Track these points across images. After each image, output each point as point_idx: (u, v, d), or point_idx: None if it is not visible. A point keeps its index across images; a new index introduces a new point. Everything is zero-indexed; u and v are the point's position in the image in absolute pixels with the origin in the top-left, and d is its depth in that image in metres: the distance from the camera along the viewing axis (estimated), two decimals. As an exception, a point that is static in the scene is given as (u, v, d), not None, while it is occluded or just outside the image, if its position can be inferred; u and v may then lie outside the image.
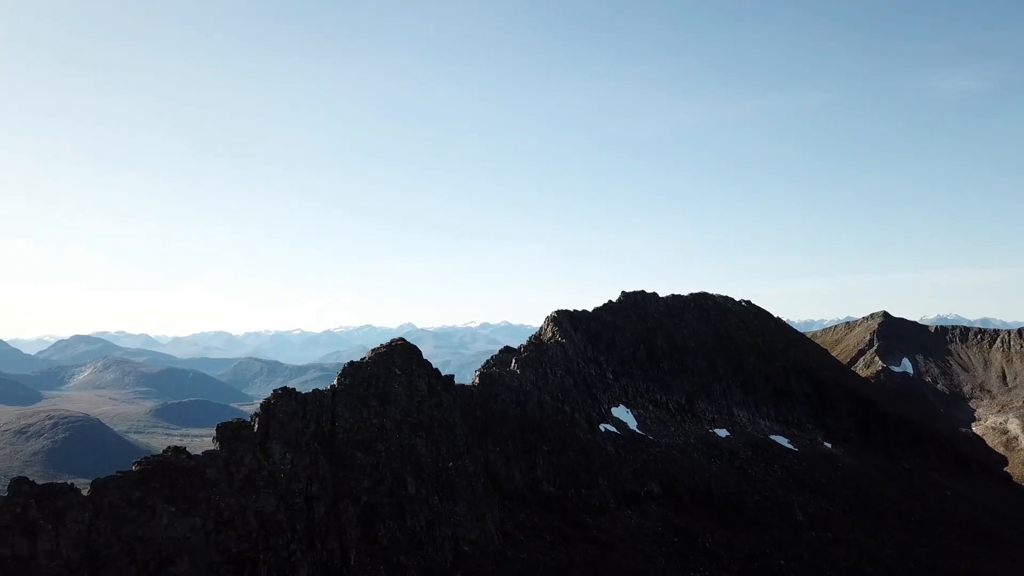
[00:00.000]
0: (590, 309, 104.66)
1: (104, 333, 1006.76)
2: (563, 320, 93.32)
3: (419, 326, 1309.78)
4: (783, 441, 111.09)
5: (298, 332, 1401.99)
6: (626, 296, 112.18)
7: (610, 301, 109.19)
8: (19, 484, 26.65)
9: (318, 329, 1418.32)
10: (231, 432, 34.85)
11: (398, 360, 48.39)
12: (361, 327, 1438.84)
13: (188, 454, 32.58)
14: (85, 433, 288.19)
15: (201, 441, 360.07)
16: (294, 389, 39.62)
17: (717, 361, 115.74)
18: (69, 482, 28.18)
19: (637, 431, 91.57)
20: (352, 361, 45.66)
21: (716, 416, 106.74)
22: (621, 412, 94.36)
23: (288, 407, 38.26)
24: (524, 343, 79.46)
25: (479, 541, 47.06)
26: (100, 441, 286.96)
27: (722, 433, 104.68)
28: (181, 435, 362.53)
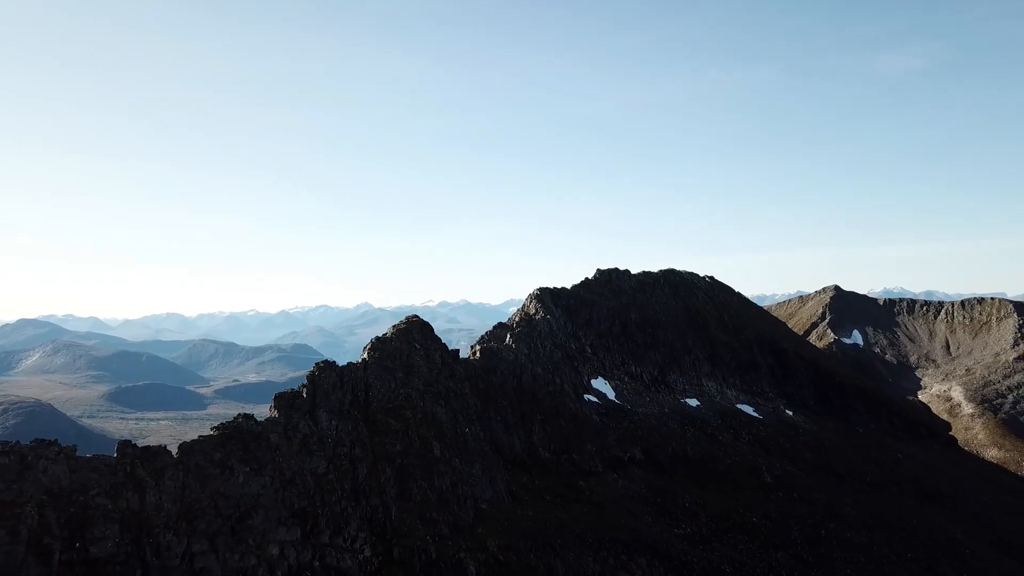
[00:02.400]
0: (556, 286, 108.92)
1: (51, 316, 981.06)
2: (545, 297, 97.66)
3: (376, 305, 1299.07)
4: (749, 410, 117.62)
5: (253, 313, 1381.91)
6: (601, 273, 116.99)
7: (587, 278, 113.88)
8: (124, 447, 29.90)
9: (273, 310, 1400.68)
10: (287, 401, 38.37)
11: (417, 335, 52.16)
12: (317, 307, 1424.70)
13: (256, 420, 36.02)
14: (37, 418, 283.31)
15: (157, 424, 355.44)
16: (334, 362, 43.17)
17: (687, 335, 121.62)
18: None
19: (616, 401, 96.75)
20: (378, 336, 49.30)
21: (687, 387, 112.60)
22: (600, 384, 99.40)
23: (330, 379, 41.85)
24: (516, 319, 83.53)
25: (493, 500, 51.42)
26: (53, 426, 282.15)
27: (693, 403, 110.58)
28: (137, 419, 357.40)
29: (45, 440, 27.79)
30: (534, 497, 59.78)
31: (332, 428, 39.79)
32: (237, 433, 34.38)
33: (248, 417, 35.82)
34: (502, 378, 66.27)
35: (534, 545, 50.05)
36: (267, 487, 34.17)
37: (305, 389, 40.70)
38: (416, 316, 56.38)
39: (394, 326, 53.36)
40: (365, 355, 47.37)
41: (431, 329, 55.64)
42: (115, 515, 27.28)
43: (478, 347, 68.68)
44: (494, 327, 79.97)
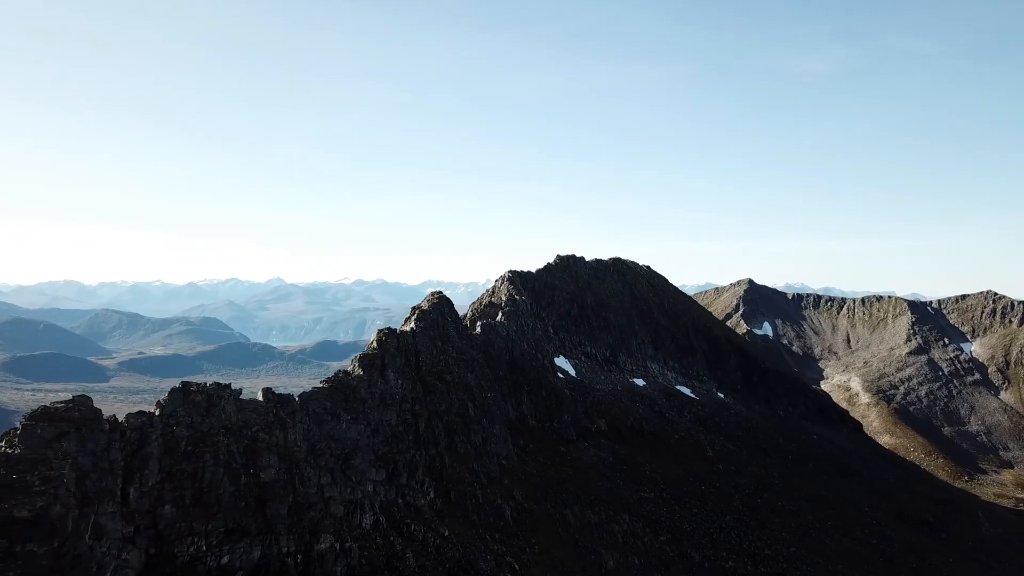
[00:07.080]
0: (519, 268, 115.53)
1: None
2: (516, 280, 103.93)
3: (289, 281, 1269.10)
4: (687, 391, 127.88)
5: (158, 284, 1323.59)
6: (561, 259, 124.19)
7: (549, 263, 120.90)
8: (268, 392, 34.48)
9: (180, 281, 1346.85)
10: (368, 361, 43.38)
11: (447, 309, 57.62)
12: (227, 280, 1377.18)
13: (349, 375, 40.93)
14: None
15: (57, 396, 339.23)
16: (394, 329, 48.24)
17: (633, 319, 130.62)
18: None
19: (576, 377, 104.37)
20: (420, 308, 54.44)
21: (634, 367, 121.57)
22: (561, 362, 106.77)
23: (392, 343, 47.00)
24: (503, 299, 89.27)
25: (508, 457, 57.70)
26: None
27: (639, 382, 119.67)
28: (34, 390, 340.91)
29: (220, 383, 32.03)
30: (532, 458, 66.42)
31: (399, 386, 45.02)
32: (340, 386, 39.30)
33: (347, 373, 40.73)
34: (499, 351, 72.41)
35: (547, 497, 56.77)
36: (362, 434, 39.29)
37: (375, 351, 45.72)
38: (440, 292, 61.72)
39: (427, 299, 58.62)
40: (412, 324, 52.53)
41: (452, 304, 61.09)
42: (273, 448, 31.94)
43: (479, 322, 74.36)
44: (485, 305, 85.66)
